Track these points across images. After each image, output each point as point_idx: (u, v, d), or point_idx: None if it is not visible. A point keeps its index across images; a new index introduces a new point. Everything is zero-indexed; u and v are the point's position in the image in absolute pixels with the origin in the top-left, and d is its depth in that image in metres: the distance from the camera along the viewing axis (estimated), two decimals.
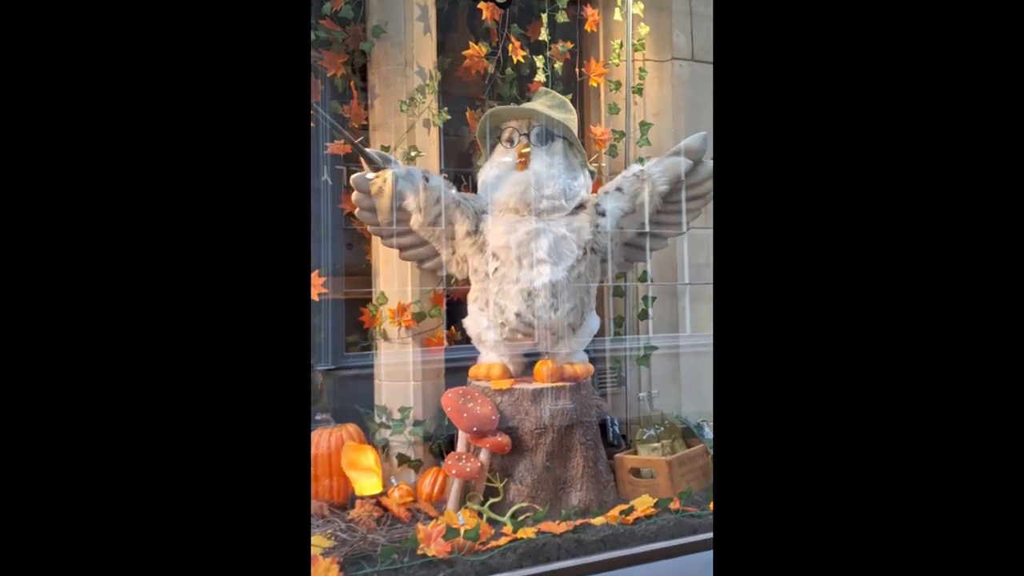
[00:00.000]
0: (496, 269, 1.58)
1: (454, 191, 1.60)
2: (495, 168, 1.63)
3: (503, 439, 1.51)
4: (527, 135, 1.61)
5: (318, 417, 1.63)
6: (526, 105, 1.65)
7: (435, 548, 1.25)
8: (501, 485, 1.51)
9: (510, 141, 1.62)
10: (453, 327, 1.77)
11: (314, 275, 1.58)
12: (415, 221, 1.57)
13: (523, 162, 1.58)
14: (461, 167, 1.76)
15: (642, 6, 1.84)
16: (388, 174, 1.52)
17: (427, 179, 1.55)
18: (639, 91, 1.86)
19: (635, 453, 1.69)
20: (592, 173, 1.71)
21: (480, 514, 1.47)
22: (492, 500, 1.49)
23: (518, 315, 1.57)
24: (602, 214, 1.62)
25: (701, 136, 1.60)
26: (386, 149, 1.64)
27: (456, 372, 1.70)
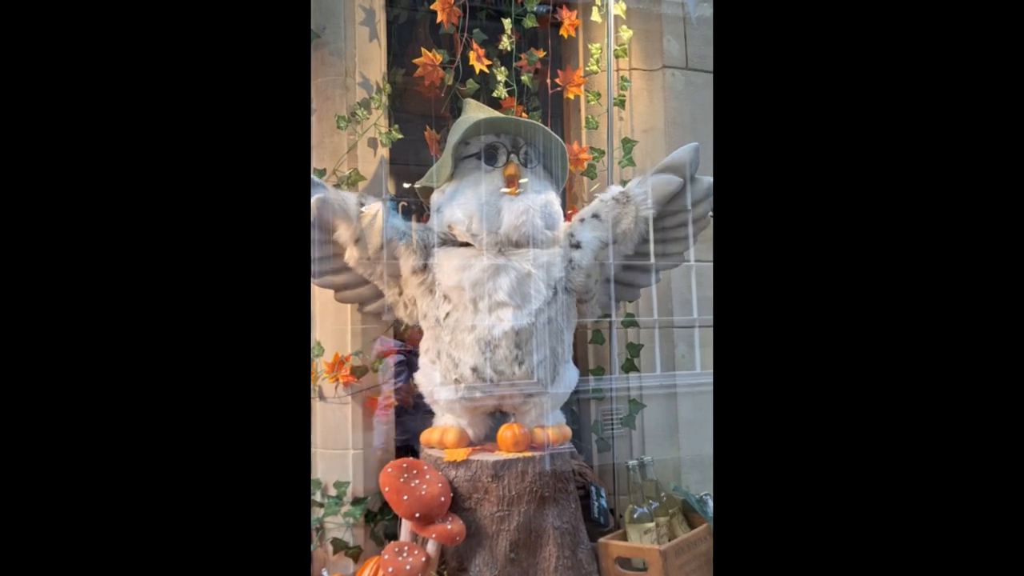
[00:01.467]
0: (448, 314, 1.30)
1: (398, 219, 1.34)
2: (467, 190, 1.32)
3: (454, 527, 1.21)
4: (516, 152, 1.34)
5: None
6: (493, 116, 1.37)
7: None
8: None
9: (490, 159, 1.33)
10: (413, 378, 1.49)
11: None
12: (350, 256, 1.31)
13: (515, 185, 1.30)
14: (414, 195, 1.50)
15: (624, 7, 1.59)
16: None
17: (362, 204, 1.29)
18: (621, 103, 1.61)
19: (624, 536, 1.38)
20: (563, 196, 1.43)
21: None
22: None
23: (474, 370, 1.28)
24: (576, 246, 1.35)
25: (690, 148, 1.34)
26: (320, 174, 1.40)
27: (413, 438, 1.42)
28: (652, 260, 1.38)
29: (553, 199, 1.35)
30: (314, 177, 1.29)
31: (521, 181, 1.31)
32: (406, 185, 1.53)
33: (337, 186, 1.39)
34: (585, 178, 1.60)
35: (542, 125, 1.38)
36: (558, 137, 1.36)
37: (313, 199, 1.24)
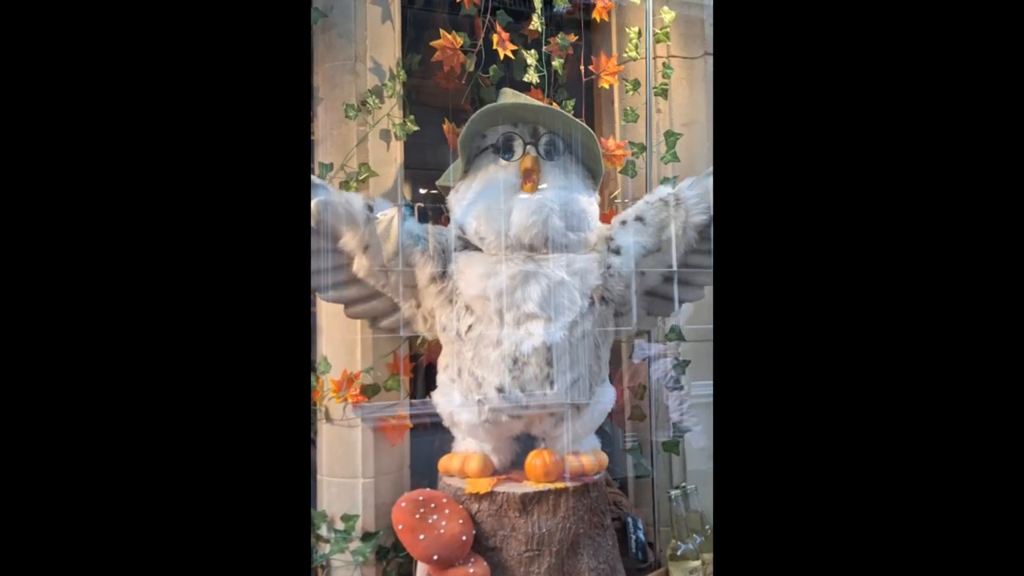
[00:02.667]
0: (470, 327, 1.15)
1: (414, 224, 1.19)
2: (480, 187, 1.18)
3: (477, 570, 1.06)
4: (535, 144, 1.18)
5: None
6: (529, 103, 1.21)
7: None
8: None
9: (506, 151, 1.17)
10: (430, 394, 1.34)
11: None
12: (359, 266, 1.16)
13: (532, 181, 1.14)
14: (433, 198, 1.34)
15: None
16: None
17: (370, 207, 1.15)
18: (663, 93, 1.45)
19: (666, 574, 1.23)
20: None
21: None
22: None
23: (500, 390, 1.13)
24: (616, 252, 1.19)
25: None
26: (327, 169, 1.26)
27: (430, 464, 1.27)
28: (709, 268, 1.22)
29: (580, 197, 1.18)
30: (314, 178, 1.14)
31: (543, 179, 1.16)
32: (423, 191, 1.39)
33: (345, 183, 1.25)
34: (622, 176, 1.44)
35: (566, 113, 1.22)
36: (585, 125, 1.20)
37: (313, 202, 1.09)
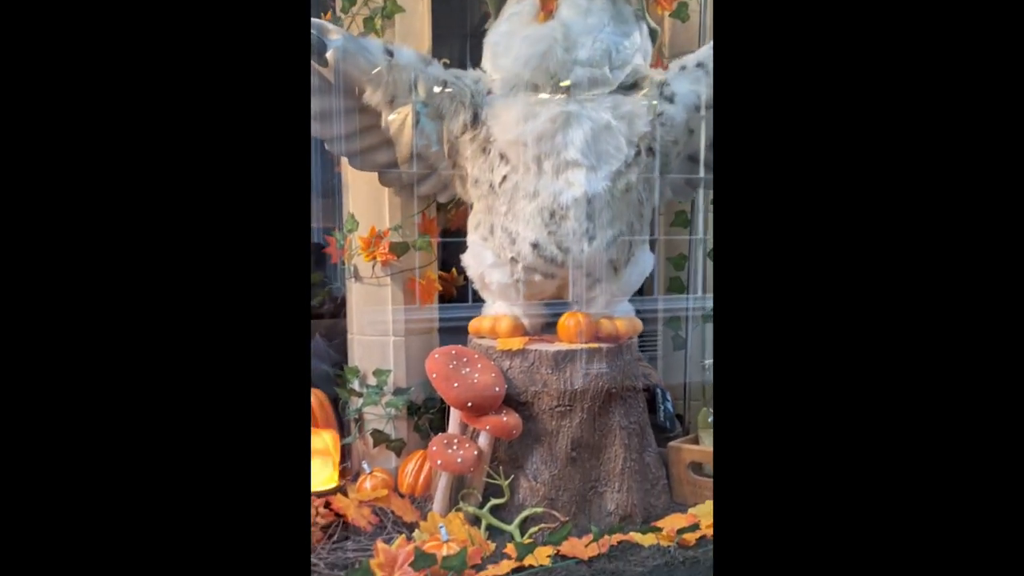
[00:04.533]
0: (505, 177, 1.08)
1: (437, 67, 1.09)
2: (505, 25, 1.08)
3: (510, 419, 1.07)
4: None
5: None
6: None
7: None
8: (507, 483, 1.08)
9: None
10: (455, 269, 1.31)
11: None
12: (388, 124, 1.07)
13: (548, 9, 1.03)
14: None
15: None
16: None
17: (390, 53, 1.04)
18: None
19: (696, 441, 1.23)
20: (654, 32, 1.14)
21: (477, 521, 1.05)
22: (494, 501, 1.06)
23: (535, 246, 1.08)
24: (669, 99, 1.09)
25: None
26: (351, 3, 1.14)
27: (455, 332, 1.25)
28: None
29: (611, 31, 1.03)
30: (325, 23, 1.03)
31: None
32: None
33: (369, 20, 1.14)
34: (672, 21, 1.29)
35: None
36: None
37: (329, 52, 0.99)
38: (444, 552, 0.90)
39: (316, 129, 1.07)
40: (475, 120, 1.08)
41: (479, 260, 1.17)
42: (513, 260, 1.11)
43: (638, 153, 1.07)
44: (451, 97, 1.08)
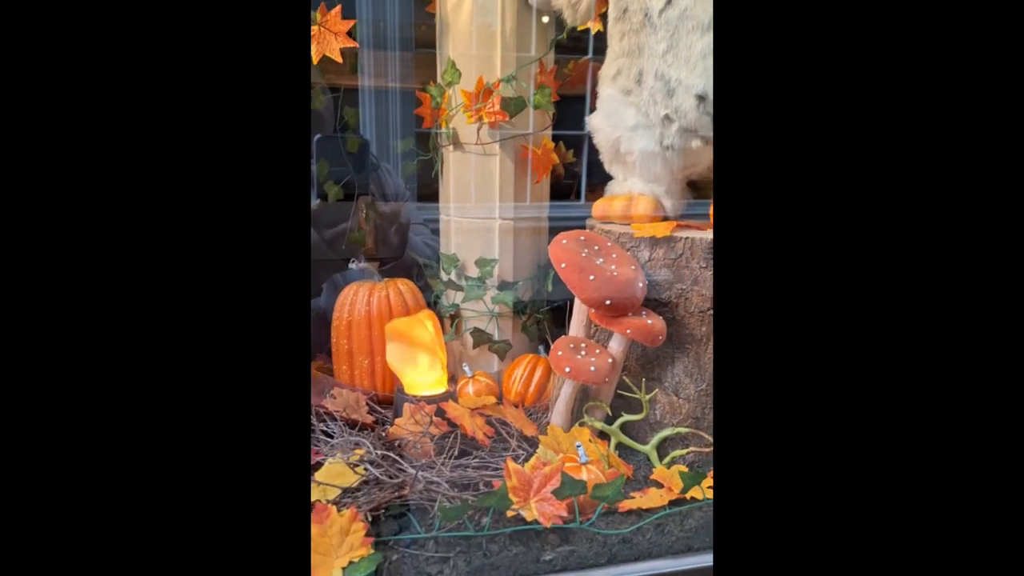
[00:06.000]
0: (669, 2, 0.80)
1: None
2: None
3: (656, 323, 0.86)
4: None
5: (354, 265, 1.05)
6: None
7: (539, 511, 0.67)
8: (647, 397, 0.89)
9: None
10: (562, 144, 1.06)
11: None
12: None
13: None
14: None
15: None
16: None
17: None
18: None
19: None
20: None
21: (603, 438, 0.88)
22: (628, 417, 0.89)
23: (701, 99, 0.82)
24: None
25: None
26: None
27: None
28: None
29: None
30: None
31: None
32: None
33: None
34: None
35: None
36: None
37: None
38: (584, 476, 0.74)
39: None
40: None
41: (616, 121, 0.91)
42: (667, 119, 0.85)
43: None
44: None
